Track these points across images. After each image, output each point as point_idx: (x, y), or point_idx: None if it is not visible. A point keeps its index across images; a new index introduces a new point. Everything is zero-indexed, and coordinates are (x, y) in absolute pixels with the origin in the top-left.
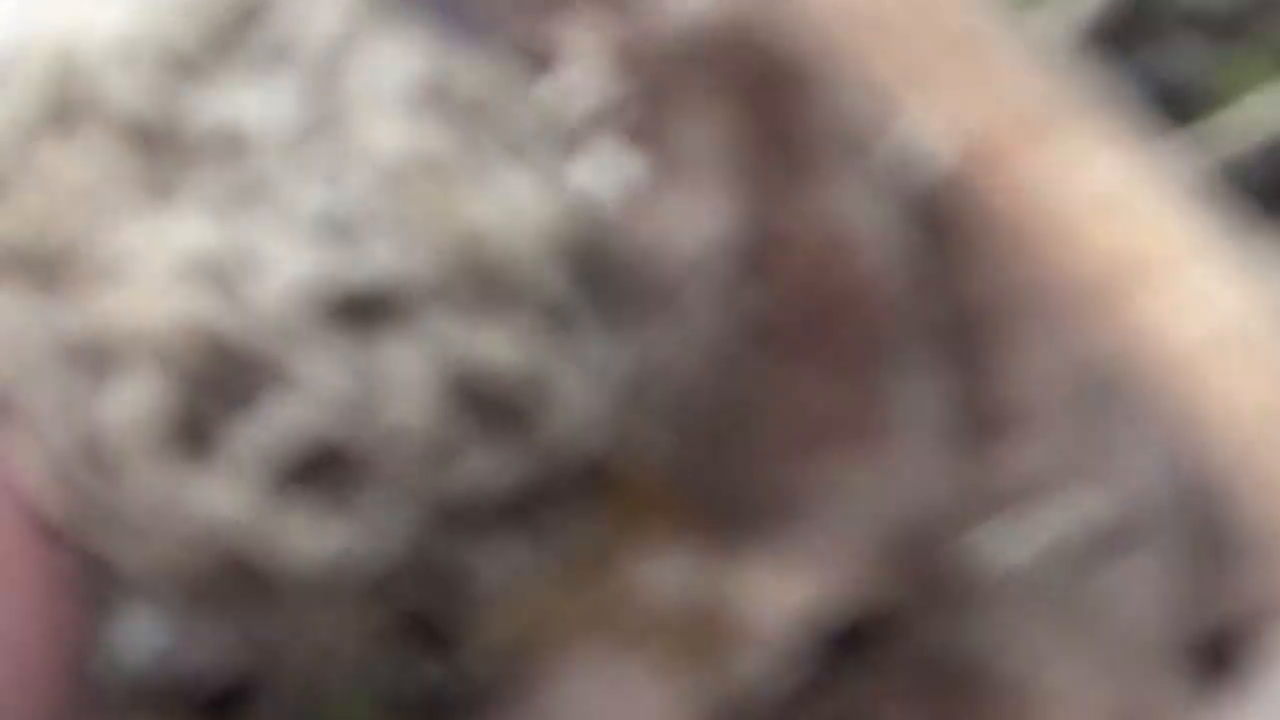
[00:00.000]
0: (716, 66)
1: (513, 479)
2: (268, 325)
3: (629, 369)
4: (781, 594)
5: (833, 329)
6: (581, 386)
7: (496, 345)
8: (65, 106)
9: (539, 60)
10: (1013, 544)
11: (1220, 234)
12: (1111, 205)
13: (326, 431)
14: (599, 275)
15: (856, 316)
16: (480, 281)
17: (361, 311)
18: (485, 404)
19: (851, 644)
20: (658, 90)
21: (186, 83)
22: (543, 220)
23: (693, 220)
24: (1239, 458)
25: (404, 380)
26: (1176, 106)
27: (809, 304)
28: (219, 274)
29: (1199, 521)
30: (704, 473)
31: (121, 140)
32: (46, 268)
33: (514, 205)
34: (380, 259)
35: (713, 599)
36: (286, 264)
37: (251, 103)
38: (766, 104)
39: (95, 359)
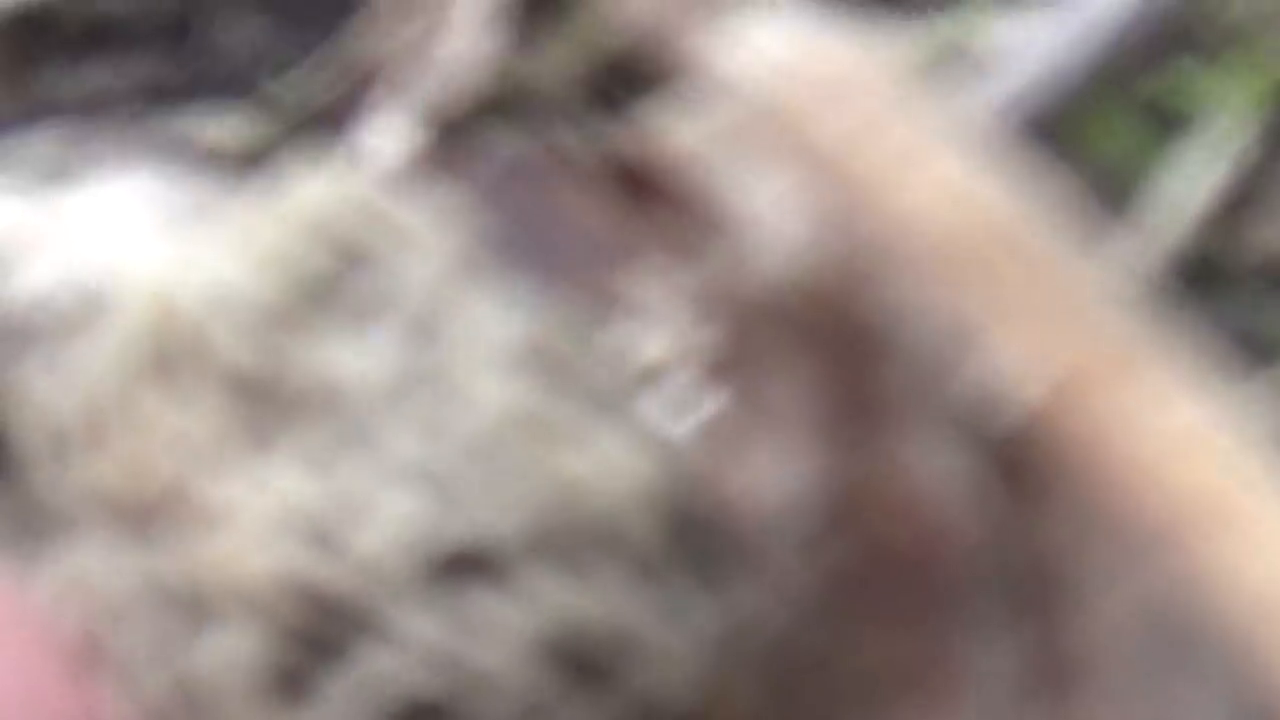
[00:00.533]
0: (800, 320)
1: None
2: (365, 578)
3: (719, 624)
4: None
5: (908, 585)
6: (674, 643)
7: (591, 603)
8: (165, 355)
9: (612, 306)
10: None
11: None
12: (1190, 446)
13: (421, 685)
14: (690, 531)
15: (932, 572)
16: (577, 538)
17: (458, 565)
18: (579, 660)
19: None
20: (739, 342)
21: (285, 333)
22: (637, 476)
23: (776, 475)
24: None
25: (499, 637)
26: (1248, 352)
27: (886, 559)
28: (317, 526)
29: None
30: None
31: (222, 390)
32: (143, 514)
33: (609, 461)
34: (479, 514)
35: None
36: (385, 518)
37: (351, 354)
38: (848, 359)
39: (192, 606)
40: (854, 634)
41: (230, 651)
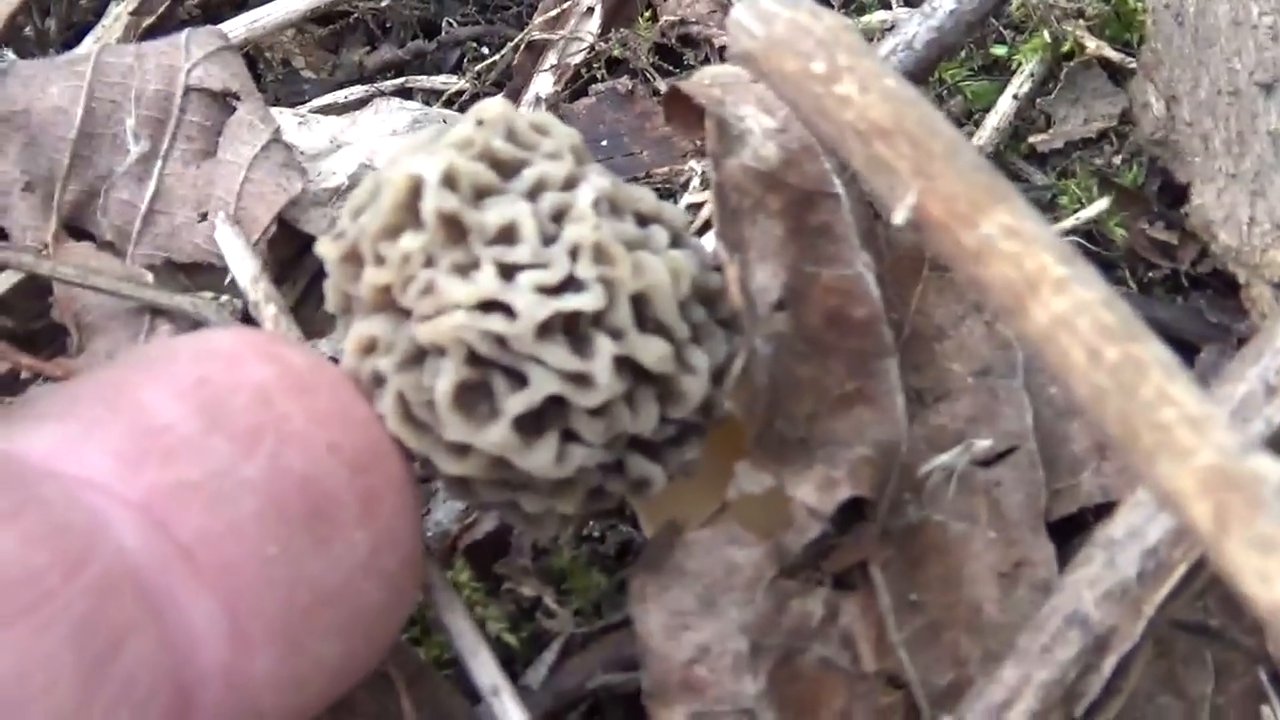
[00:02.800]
0: (770, 180)
1: (665, 426)
2: (522, 329)
3: (731, 358)
4: (815, 488)
5: (847, 339)
6: (706, 370)
7: (660, 349)
8: (408, 206)
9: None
10: (946, 459)
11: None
12: (1014, 246)
13: (555, 388)
14: (713, 303)
15: (859, 332)
16: (644, 300)
17: (575, 319)
18: (642, 370)
19: (851, 515)
20: (738, 194)
21: (476, 188)
22: (686, 270)
23: (764, 276)
24: (1088, 398)
25: (600, 360)
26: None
27: (834, 324)
28: (491, 299)
29: (1044, 447)
30: (772, 419)
31: (438, 225)
32: (397, 304)
33: (661, 254)
34: (587, 290)
35: (779, 492)
36: (530, 294)
37: (521, 210)
38: (798, 202)
39: (423, 354)
40: (820, 364)
41: (442, 379)
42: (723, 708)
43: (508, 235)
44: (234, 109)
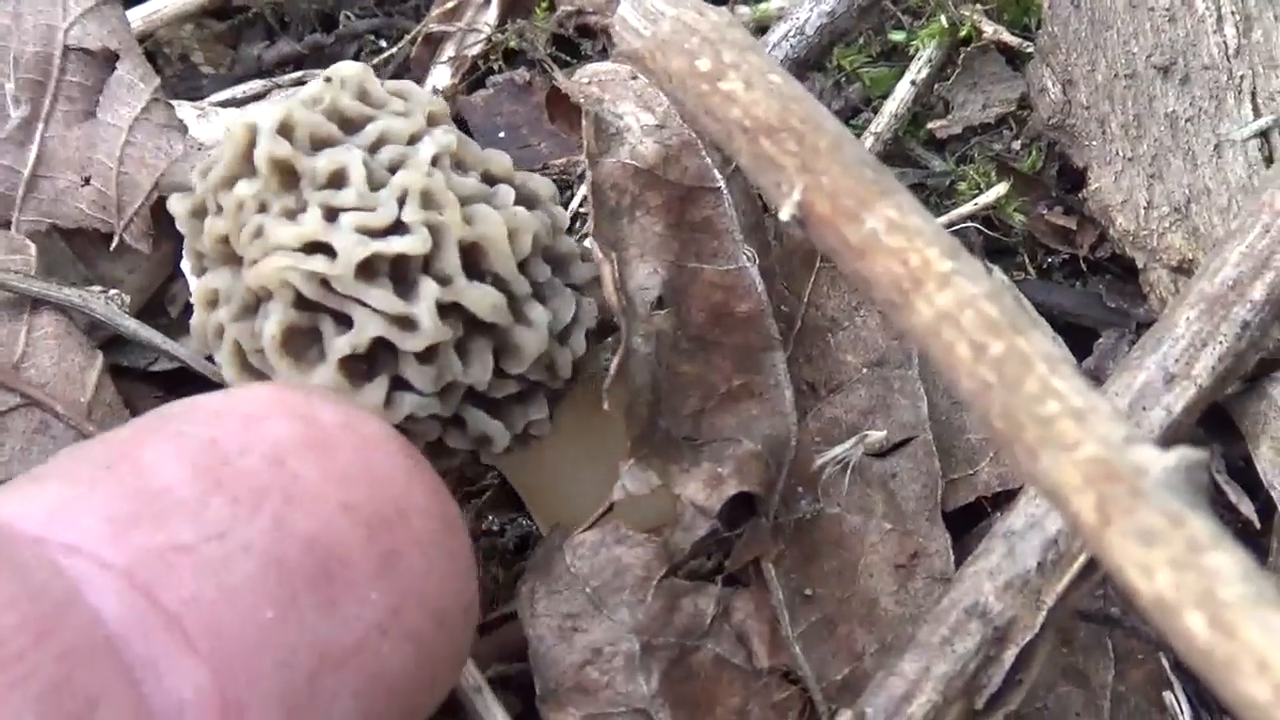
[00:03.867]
0: (649, 176)
1: (505, 382)
2: (345, 270)
3: (572, 321)
4: (702, 485)
5: (731, 334)
6: (544, 324)
7: (490, 298)
8: (245, 157)
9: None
10: (839, 451)
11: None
12: (898, 239)
13: (380, 330)
14: (565, 266)
15: (744, 326)
16: (479, 250)
17: (401, 262)
18: (472, 319)
19: (740, 510)
20: (619, 188)
21: (316, 138)
22: (528, 227)
23: (643, 274)
24: (972, 392)
25: (424, 302)
26: (922, 192)
27: (717, 320)
28: (317, 243)
29: (940, 437)
30: (655, 418)
31: (272, 172)
32: (233, 252)
33: (511, 219)
34: (413, 234)
35: (665, 491)
36: (353, 237)
37: (351, 157)
38: (677, 197)
39: (255, 301)
40: (705, 361)
41: (269, 320)
42: (617, 709)
43: (337, 180)
44: (114, 68)
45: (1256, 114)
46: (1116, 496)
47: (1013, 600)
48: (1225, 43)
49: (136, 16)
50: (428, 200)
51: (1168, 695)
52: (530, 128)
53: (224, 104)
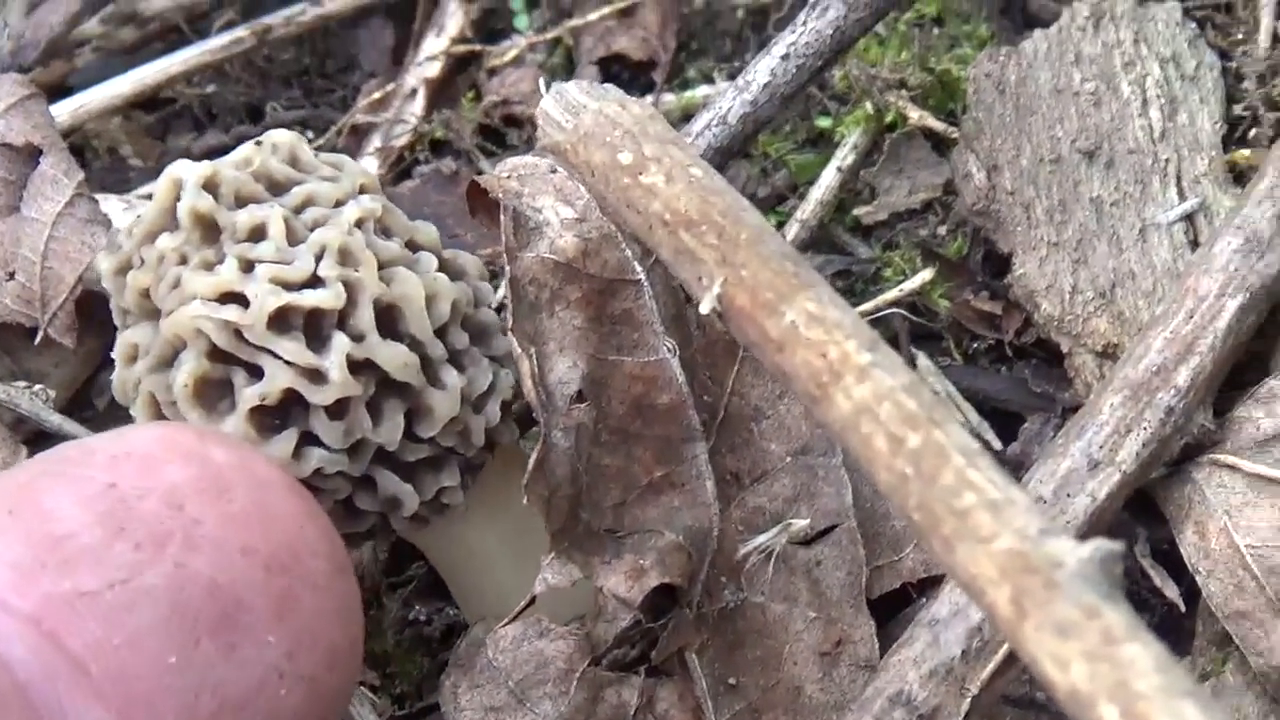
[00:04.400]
0: (569, 270)
1: (417, 445)
2: (257, 321)
3: (488, 391)
4: (624, 577)
5: (652, 425)
6: (458, 389)
7: (402, 356)
8: (168, 211)
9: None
10: (763, 540)
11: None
12: (816, 333)
13: (290, 382)
14: (485, 339)
15: (665, 418)
16: (402, 322)
17: (315, 315)
18: (384, 378)
19: (663, 599)
20: (538, 280)
21: (238, 204)
22: (447, 294)
23: (563, 368)
24: (890, 485)
25: (335, 357)
26: (846, 281)
27: (639, 412)
28: (232, 294)
29: (866, 523)
30: (576, 511)
31: (194, 225)
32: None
33: (430, 284)
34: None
35: (586, 584)
36: (268, 288)
37: (272, 213)
38: (598, 290)
39: (170, 352)
40: (626, 453)
41: (181, 369)
42: None
43: (256, 234)
44: (38, 163)
45: (1182, 197)
46: (1032, 589)
47: (937, 688)
48: (1150, 126)
49: (64, 110)
50: (345, 257)
51: None
52: (456, 218)
53: (150, 196)
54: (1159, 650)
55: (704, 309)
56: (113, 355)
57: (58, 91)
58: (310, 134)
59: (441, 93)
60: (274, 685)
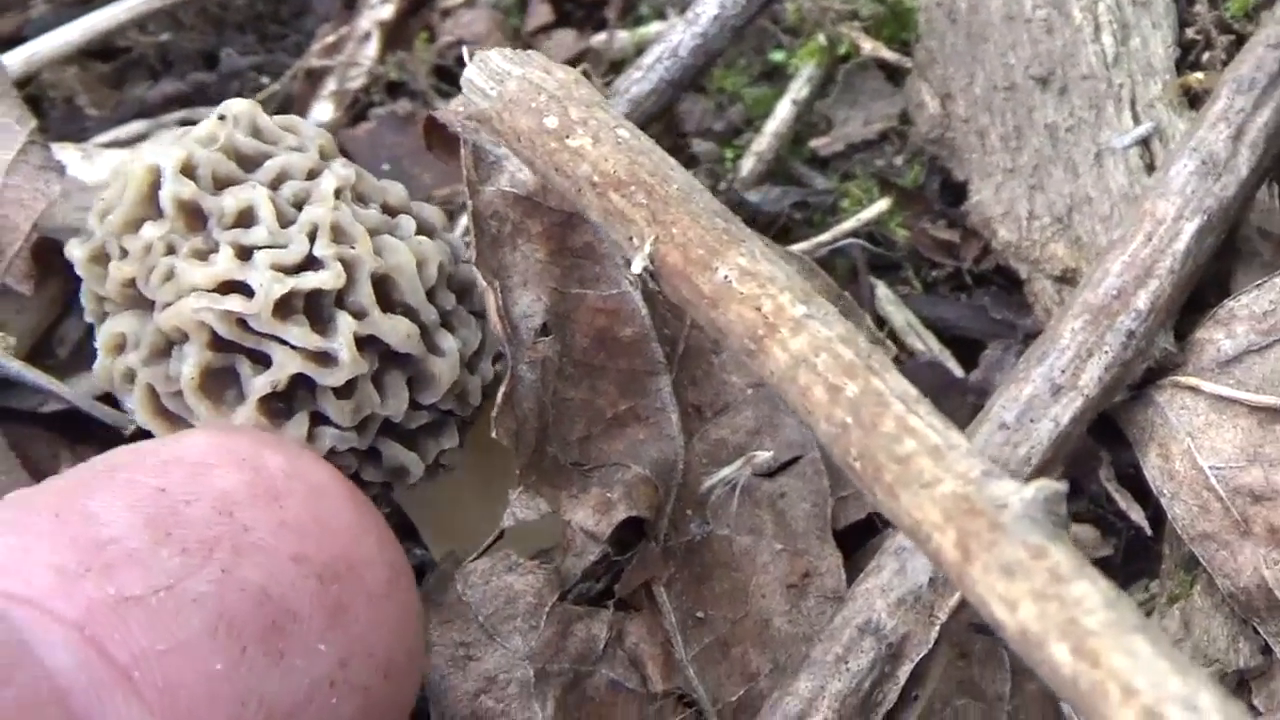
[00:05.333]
0: (527, 206)
1: (419, 413)
2: (261, 308)
3: (479, 348)
4: (592, 511)
5: (616, 359)
6: (455, 353)
7: (403, 328)
8: (149, 197)
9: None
10: (728, 473)
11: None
12: (751, 285)
13: (298, 366)
14: (467, 294)
15: (629, 351)
16: (395, 291)
17: (316, 297)
18: (388, 350)
19: (630, 534)
20: (500, 230)
21: (217, 178)
22: (433, 257)
23: (527, 301)
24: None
25: (341, 336)
26: (804, 215)
27: (602, 345)
28: (228, 282)
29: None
30: (543, 445)
31: (178, 212)
32: (142, 295)
33: (416, 248)
34: (326, 270)
35: (555, 518)
36: (268, 273)
37: (259, 195)
38: (566, 234)
39: (169, 342)
40: (591, 386)
41: (186, 363)
42: None
43: (246, 219)
44: None
45: (1136, 121)
46: (977, 531)
47: (906, 616)
48: (1103, 51)
49: (16, 59)
50: (338, 234)
51: (1065, 706)
52: (412, 159)
53: (109, 145)
54: (1106, 587)
55: (635, 269)
56: (95, 345)
57: (12, 42)
58: (266, 79)
59: (396, 35)
60: (325, 695)
